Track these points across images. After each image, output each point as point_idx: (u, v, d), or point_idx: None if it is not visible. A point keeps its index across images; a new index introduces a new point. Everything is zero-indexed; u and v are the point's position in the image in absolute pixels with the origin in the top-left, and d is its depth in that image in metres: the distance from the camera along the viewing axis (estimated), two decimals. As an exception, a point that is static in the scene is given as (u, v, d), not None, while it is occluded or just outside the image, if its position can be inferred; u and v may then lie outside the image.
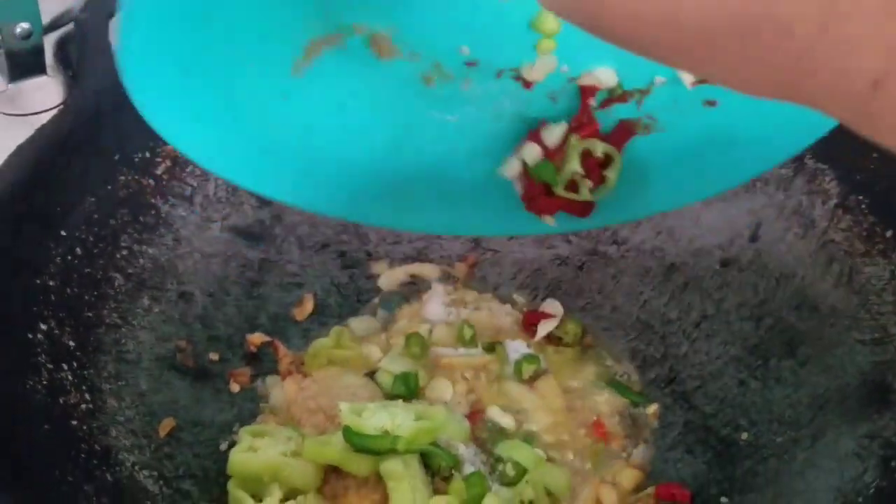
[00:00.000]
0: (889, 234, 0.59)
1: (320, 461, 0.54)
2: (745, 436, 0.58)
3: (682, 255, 0.69)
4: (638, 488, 0.58)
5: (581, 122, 0.55)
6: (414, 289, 0.72)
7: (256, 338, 0.65)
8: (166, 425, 0.57)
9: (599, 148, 0.54)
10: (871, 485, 0.48)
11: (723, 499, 0.54)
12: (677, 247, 0.70)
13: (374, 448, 0.52)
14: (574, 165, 0.54)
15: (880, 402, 0.52)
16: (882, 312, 0.57)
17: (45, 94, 0.67)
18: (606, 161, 0.55)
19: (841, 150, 0.64)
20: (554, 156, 0.56)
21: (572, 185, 0.55)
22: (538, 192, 0.57)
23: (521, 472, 0.55)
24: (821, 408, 0.55)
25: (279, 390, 0.63)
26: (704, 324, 0.66)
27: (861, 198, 0.62)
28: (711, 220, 0.69)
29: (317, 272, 0.71)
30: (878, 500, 0.46)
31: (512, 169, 0.57)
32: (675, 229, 0.71)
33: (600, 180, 0.55)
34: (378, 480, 0.53)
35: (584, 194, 0.55)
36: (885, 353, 0.55)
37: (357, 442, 0.53)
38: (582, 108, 0.54)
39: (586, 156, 0.54)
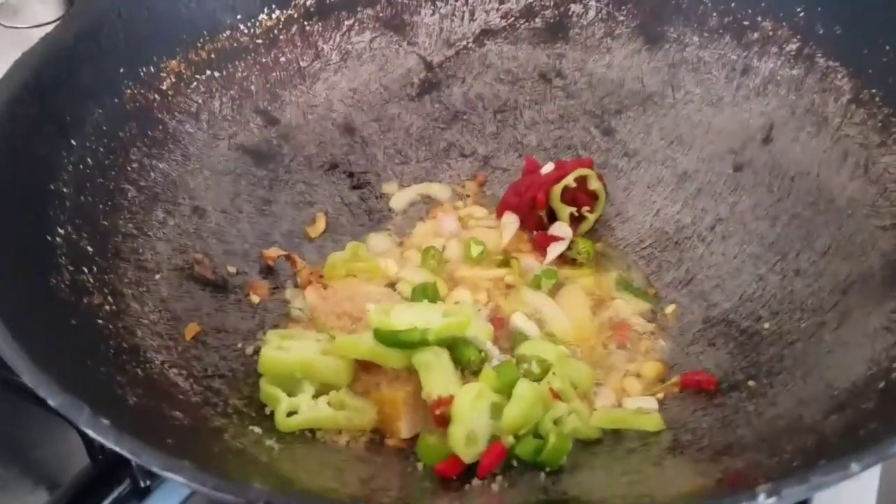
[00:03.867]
0: (905, 122, 0.60)
1: (353, 357, 0.53)
2: (766, 325, 0.58)
3: (694, 162, 0.70)
4: (661, 380, 0.58)
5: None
6: (425, 208, 0.72)
7: (273, 252, 0.65)
8: (191, 329, 0.56)
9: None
10: (905, 351, 0.48)
11: (750, 382, 0.54)
12: (689, 155, 0.70)
13: (405, 341, 0.52)
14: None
15: (906, 278, 0.53)
16: (901, 198, 0.57)
17: (45, 8, 0.66)
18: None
19: (852, 46, 0.64)
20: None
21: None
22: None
23: (547, 367, 0.55)
24: (844, 292, 0.56)
25: (300, 300, 0.62)
26: (719, 227, 0.66)
27: (875, 91, 0.62)
28: (723, 125, 0.70)
29: (327, 192, 0.71)
30: (913, 364, 0.47)
31: None
32: (685, 137, 0.71)
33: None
34: (409, 374, 0.53)
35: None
36: (907, 235, 0.55)
37: (388, 338, 0.52)
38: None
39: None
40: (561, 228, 0.67)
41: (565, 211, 0.68)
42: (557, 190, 0.67)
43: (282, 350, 0.53)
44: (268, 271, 0.64)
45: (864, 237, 0.58)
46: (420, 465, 0.51)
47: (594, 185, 0.68)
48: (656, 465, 0.48)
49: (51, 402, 0.37)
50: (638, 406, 0.55)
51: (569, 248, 0.67)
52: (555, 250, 0.67)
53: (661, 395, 0.57)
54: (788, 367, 0.53)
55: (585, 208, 0.68)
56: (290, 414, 0.51)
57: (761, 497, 0.31)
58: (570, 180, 0.67)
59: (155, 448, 0.35)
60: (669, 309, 0.63)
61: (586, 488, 0.47)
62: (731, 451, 0.47)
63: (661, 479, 0.46)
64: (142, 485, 0.59)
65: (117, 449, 0.35)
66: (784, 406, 0.50)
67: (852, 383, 0.48)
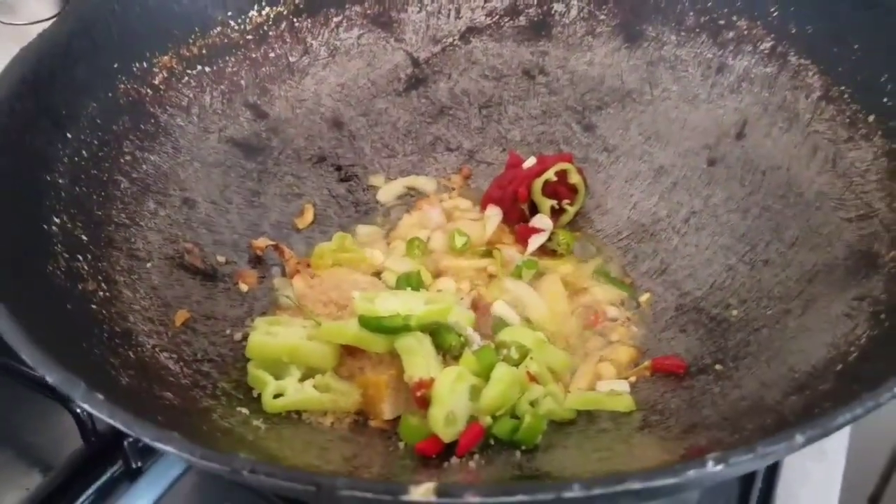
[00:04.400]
0: (871, 118, 0.62)
1: (338, 342, 0.55)
2: (735, 312, 0.60)
3: (671, 157, 0.72)
4: (634, 364, 0.60)
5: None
6: (411, 200, 0.74)
7: (261, 242, 0.67)
8: (181, 316, 0.58)
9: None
10: (863, 336, 0.50)
11: (717, 366, 0.56)
12: (666, 150, 0.72)
13: (388, 327, 0.54)
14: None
15: (868, 267, 0.55)
16: (866, 191, 0.59)
17: (42, 5, 0.68)
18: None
19: (823, 45, 0.67)
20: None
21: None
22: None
23: (525, 353, 0.57)
24: (809, 281, 0.58)
25: (288, 288, 0.64)
26: (693, 219, 0.68)
27: (844, 88, 0.64)
28: (698, 121, 0.72)
29: (315, 184, 0.73)
30: (870, 347, 0.49)
31: None
32: (663, 133, 0.73)
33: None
34: (392, 359, 0.55)
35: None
36: (870, 226, 0.57)
37: (372, 324, 0.54)
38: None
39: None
40: (542, 220, 0.69)
41: (546, 204, 0.70)
42: (538, 184, 0.69)
43: (269, 335, 0.55)
44: (256, 261, 0.66)
45: (831, 229, 0.60)
46: (401, 445, 0.53)
47: (574, 178, 0.71)
48: (625, 443, 0.50)
49: (48, 379, 0.39)
50: (610, 388, 0.57)
51: (549, 239, 0.69)
52: (536, 242, 0.69)
53: (633, 379, 0.59)
54: (754, 351, 0.56)
55: (566, 201, 0.70)
56: (276, 396, 0.53)
57: (710, 464, 0.33)
58: (550, 174, 0.70)
59: (146, 421, 0.37)
60: (644, 297, 0.65)
61: (558, 465, 0.49)
62: (696, 429, 0.49)
63: (629, 456, 0.49)
64: (134, 466, 0.62)
65: (111, 422, 0.37)
66: (748, 388, 0.52)
67: (812, 366, 0.50)
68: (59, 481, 0.61)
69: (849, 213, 0.60)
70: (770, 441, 0.34)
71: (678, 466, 0.33)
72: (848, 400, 0.39)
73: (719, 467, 0.33)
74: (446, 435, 0.51)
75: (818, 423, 0.35)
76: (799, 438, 0.34)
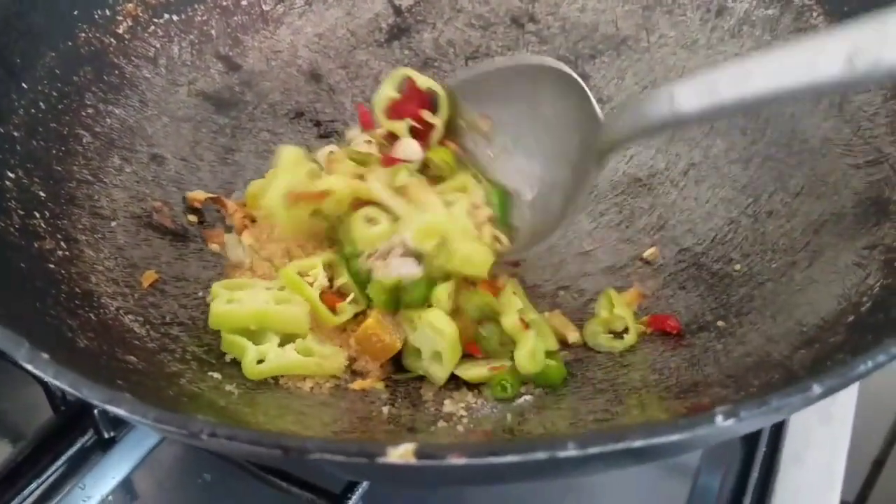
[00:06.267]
0: (880, 59, 0.58)
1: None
2: (737, 267, 0.57)
3: (668, 106, 0.68)
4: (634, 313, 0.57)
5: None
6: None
7: (198, 194, 0.61)
8: (148, 277, 0.54)
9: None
10: (875, 285, 0.47)
11: (719, 322, 0.53)
12: (662, 99, 0.68)
13: None
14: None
15: (878, 214, 0.52)
16: (875, 136, 0.56)
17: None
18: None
19: (828, -17, 0.63)
20: None
21: None
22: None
23: None
24: (816, 231, 0.55)
25: (238, 247, 0.59)
26: (692, 171, 0.65)
27: (850, 29, 0.60)
28: (697, 68, 0.68)
29: (292, 141, 0.69)
30: (883, 296, 0.46)
31: None
32: (659, 81, 0.69)
33: None
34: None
35: None
36: (880, 172, 0.54)
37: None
38: None
39: None
40: (406, 147, 0.55)
41: (400, 126, 0.56)
42: (379, 105, 0.56)
43: (233, 303, 0.51)
44: (195, 213, 0.61)
45: (837, 176, 0.57)
46: (385, 410, 0.50)
47: (423, 83, 0.56)
48: (623, 404, 0.47)
49: (-14, 337, 0.35)
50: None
51: (426, 166, 0.55)
52: None
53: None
54: (758, 306, 0.53)
55: (424, 112, 0.56)
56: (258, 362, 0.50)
57: (719, 419, 0.30)
58: (387, 90, 0.56)
59: (95, 381, 0.33)
60: (649, 252, 0.62)
61: (551, 429, 0.46)
62: (698, 388, 0.46)
63: (627, 416, 0.46)
64: (106, 436, 0.59)
65: (56, 383, 0.33)
66: (753, 344, 0.49)
67: (822, 319, 0.47)
68: (27, 452, 0.59)
69: (857, 159, 0.56)
70: (785, 393, 0.31)
71: (683, 422, 0.29)
72: (864, 350, 0.36)
73: (729, 422, 0.30)
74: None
75: (837, 371, 0.32)
76: (816, 389, 0.31)
